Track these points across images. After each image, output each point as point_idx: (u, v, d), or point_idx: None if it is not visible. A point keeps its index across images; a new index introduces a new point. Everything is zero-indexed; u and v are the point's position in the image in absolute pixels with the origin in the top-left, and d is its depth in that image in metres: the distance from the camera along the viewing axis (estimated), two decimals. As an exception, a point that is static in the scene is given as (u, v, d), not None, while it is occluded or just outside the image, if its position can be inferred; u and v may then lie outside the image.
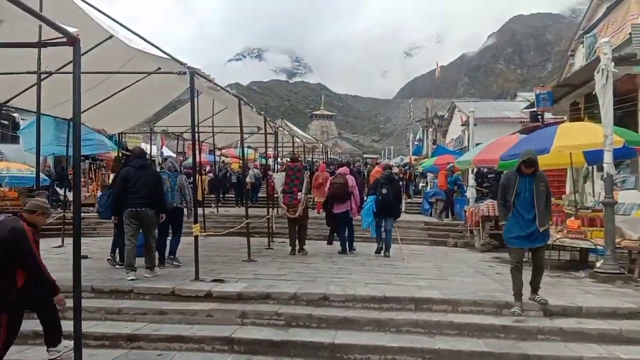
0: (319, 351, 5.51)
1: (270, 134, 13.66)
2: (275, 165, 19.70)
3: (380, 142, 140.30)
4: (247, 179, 21.58)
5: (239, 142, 10.76)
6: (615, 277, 8.06)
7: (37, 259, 4.70)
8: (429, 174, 27.34)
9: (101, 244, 11.19)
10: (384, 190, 10.91)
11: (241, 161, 12.29)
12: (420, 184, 29.72)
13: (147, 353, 5.55)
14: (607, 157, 8.52)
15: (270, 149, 17.22)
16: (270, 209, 12.57)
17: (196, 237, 7.56)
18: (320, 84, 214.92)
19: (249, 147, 22.79)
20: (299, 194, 10.61)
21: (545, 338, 5.74)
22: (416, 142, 48.53)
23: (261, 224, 12.53)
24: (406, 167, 32.59)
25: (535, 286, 6.48)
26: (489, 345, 5.54)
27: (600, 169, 9.05)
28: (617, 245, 8.57)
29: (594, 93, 9.31)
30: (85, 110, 9.86)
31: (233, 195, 22.59)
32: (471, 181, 16.21)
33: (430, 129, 41.28)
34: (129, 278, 7.44)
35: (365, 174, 24.58)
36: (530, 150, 6.89)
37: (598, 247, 8.86)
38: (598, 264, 8.53)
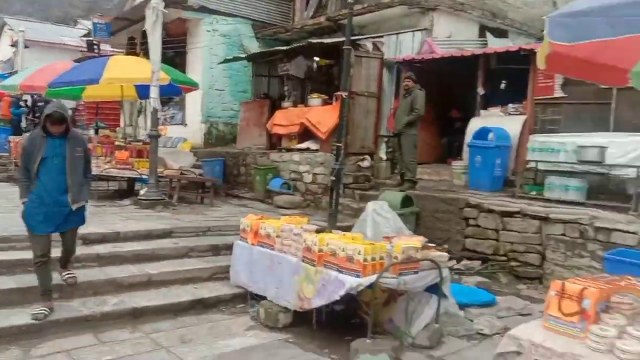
0: None
1: None
2: None
3: None
4: None
5: None
6: (156, 203, 8.79)
7: None
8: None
9: None
10: None
11: None
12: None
13: None
14: (154, 92, 9.00)
15: None
16: None
17: None
18: None
19: None
20: None
21: (82, 265, 5.71)
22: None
23: None
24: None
25: (65, 262, 5.35)
26: (18, 282, 5.19)
27: (151, 103, 9.55)
28: (160, 175, 9.37)
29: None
30: None
31: None
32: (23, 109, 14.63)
33: (-27, 46, 34.81)
34: None
35: None
36: (60, 102, 5.57)
37: (143, 176, 9.44)
38: (142, 192, 9.12)
